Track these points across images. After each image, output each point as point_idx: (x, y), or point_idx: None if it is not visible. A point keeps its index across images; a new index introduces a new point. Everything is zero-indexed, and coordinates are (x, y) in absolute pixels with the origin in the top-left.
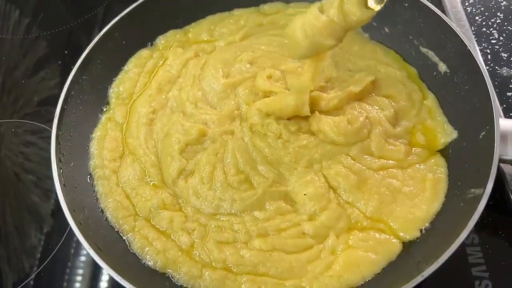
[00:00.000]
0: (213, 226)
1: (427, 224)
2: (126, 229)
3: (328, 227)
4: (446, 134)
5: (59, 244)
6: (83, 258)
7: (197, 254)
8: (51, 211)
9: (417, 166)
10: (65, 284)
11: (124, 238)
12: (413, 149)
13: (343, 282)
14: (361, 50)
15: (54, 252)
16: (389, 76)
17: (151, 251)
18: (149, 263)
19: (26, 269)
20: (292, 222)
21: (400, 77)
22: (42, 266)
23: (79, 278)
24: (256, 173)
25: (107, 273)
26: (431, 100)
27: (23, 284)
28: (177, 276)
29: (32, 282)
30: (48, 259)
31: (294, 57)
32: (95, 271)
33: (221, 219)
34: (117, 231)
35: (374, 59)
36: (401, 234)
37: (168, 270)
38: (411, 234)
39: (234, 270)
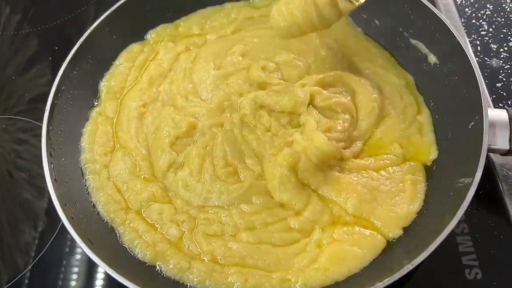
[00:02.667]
0: (202, 218)
1: (409, 223)
2: (117, 222)
3: (313, 221)
4: (428, 154)
5: (52, 239)
6: (77, 253)
7: (186, 246)
8: (44, 208)
9: (391, 169)
10: (60, 277)
11: (115, 231)
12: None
13: (329, 275)
14: (357, 46)
15: (47, 247)
16: (388, 83)
17: (141, 244)
18: (139, 256)
19: (20, 266)
20: (278, 216)
21: (398, 86)
22: (34, 262)
23: (73, 273)
24: (244, 166)
25: (101, 267)
26: (425, 116)
27: (16, 279)
28: (166, 269)
29: (25, 279)
30: (40, 255)
31: (280, 36)
32: (89, 265)
33: (210, 211)
34: (109, 225)
35: (371, 62)
36: (385, 232)
37: (158, 263)
38: (394, 232)
39: (222, 262)
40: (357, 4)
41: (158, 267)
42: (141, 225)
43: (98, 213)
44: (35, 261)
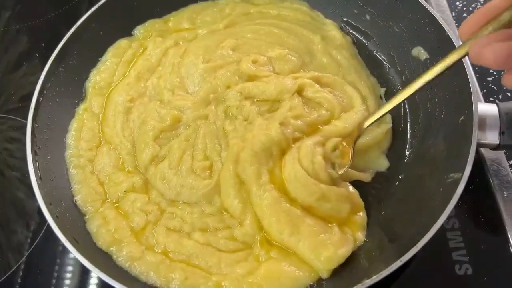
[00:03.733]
0: (168, 212)
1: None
2: (91, 211)
3: (251, 235)
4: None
5: (44, 238)
6: (70, 251)
7: (145, 236)
8: (37, 207)
9: None
10: (54, 276)
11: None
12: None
13: None
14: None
15: (39, 246)
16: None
17: (104, 230)
18: (99, 242)
19: (12, 265)
20: (225, 223)
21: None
22: (26, 261)
23: (67, 272)
24: (218, 160)
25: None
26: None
27: (8, 276)
28: (118, 257)
29: (17, 277)
30: (33, 253)
31: None
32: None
33: (178, 206)
34: (84, 216)
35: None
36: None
37: (111, 249)
38: (323, 274)
39: (171, 256)
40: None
41: (110, 254)
42: (111, 213)
43: (76, 205)
44: (27, 259)
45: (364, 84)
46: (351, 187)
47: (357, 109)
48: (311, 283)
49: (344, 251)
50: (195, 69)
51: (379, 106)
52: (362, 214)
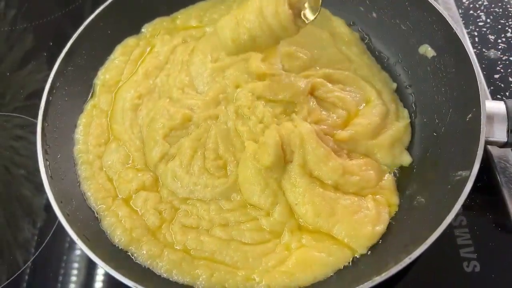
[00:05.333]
0: (182, 210)
1: (374, 242)
2: (103, 208)
3: (281, 222)
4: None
5: (51, 235)
6: (77, 248)
7: (163, 235)
8: (43, 204)
9: None
10: (61, 273)
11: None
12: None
13: (293, 280)
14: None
15: (46, 243)
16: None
17: (120, 229)
18: (116, 240)
19: (20, 263)
20: (250, 215)
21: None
22: (33, 258)
23: (74, 269)
24: (233, 160)
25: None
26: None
27: (16, 275)
28: (138, 254)
29: (25, 275)
30: (40, 251)
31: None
32: (90, 260)
33: (191, 204)
34: (95, 213)
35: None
36: (350, 245)
37: (131, 248)
38: (360, 251)
39: (193, 254)
40: (307, 22)
41: (130, 253)
42: (123, 211)
43: (86, 201)
44: (35, 257)
45: (376, 79)
46: (362, 157)
47: (373, 103)
48: (341, 267)
49: (380, 229)
50: (204, 68)
51: (394, 99)
52: (388, 176)
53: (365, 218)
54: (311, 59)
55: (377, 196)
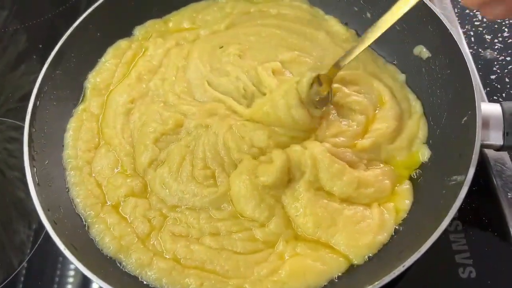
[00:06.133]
0: (171, 218)
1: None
2: (91, 216)
3: (277, 234)
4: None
5: (46, 237)
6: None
7: (152, 243)
8: None
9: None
10: (57, 274)
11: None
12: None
13: None
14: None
15: (41, 245)
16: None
17: (108, 237)
18: (104, 249)
19: (15, 265)
20: (243, 226)
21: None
22: (28, 260)
23: (70, 270)
24: (223, 171)
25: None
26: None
27: (11, 278)
28: (127, 263)
29: (21, 276)
30: (35, 253)
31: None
32: None
33: (181, 212)
34: (83, 220)
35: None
36: (347, 255)
37: (119, 255)
38: (358, 260)
39: (183, 262)
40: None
41: (118, 261)
42: (112, 218)
43: (75, 208)
44: (30, 259)
45: (385, 73)
46: (381, 165)
47: (388, 105)
48: (335, 276)
49: (382, 238)
50: (201, 78)
51: (405, 95)
52: (405, 184)
53: (367, 227)
54: (316, 61)
55: (387, 204)
